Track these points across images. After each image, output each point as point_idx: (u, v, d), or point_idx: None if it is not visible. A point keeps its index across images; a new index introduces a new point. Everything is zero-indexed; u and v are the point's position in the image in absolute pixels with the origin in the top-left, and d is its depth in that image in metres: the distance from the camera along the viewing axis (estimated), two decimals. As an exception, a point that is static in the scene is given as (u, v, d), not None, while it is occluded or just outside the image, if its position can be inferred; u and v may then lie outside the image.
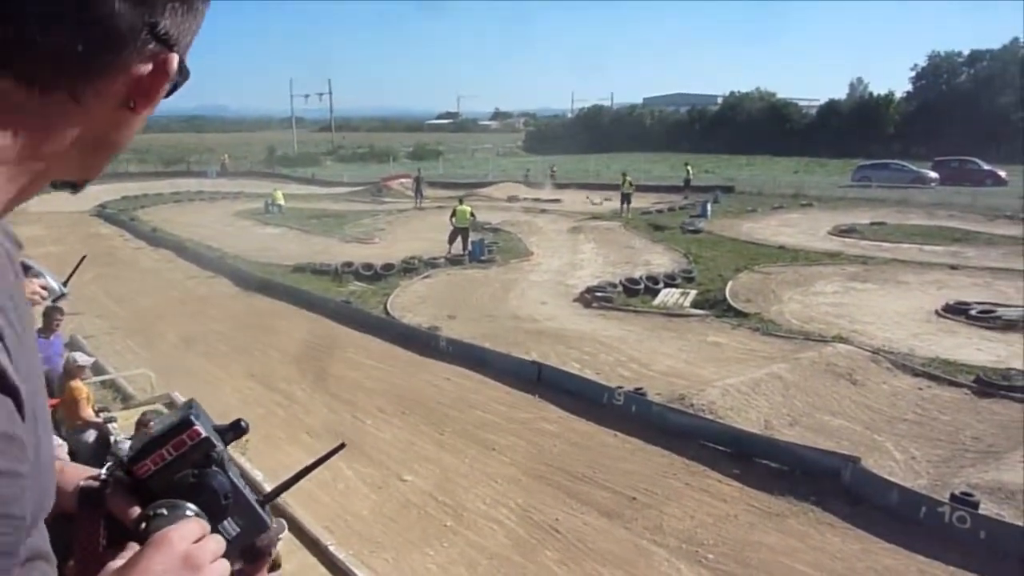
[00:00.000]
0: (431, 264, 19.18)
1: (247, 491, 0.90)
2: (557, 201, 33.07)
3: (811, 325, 13.39)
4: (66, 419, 7.11)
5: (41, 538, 0.63)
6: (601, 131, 65.45)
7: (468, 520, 7.47)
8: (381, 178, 42.86)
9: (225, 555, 0.79)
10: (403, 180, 41.80)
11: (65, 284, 2.00)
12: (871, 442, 8.92)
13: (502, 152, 74.97)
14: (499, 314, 14.92)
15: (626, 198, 27.68)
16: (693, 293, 16.13)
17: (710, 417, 9.23)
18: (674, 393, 10.09)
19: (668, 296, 16.03)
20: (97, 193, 37.23)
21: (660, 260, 19.86)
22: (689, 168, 35.99)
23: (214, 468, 0.86)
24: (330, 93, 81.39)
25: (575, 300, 16.03)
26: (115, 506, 0.80)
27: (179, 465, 0.83)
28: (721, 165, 49.80)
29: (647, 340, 12.98)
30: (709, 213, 27.02)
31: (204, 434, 0.85)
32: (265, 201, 32.12)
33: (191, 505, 0.82)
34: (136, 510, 0.79)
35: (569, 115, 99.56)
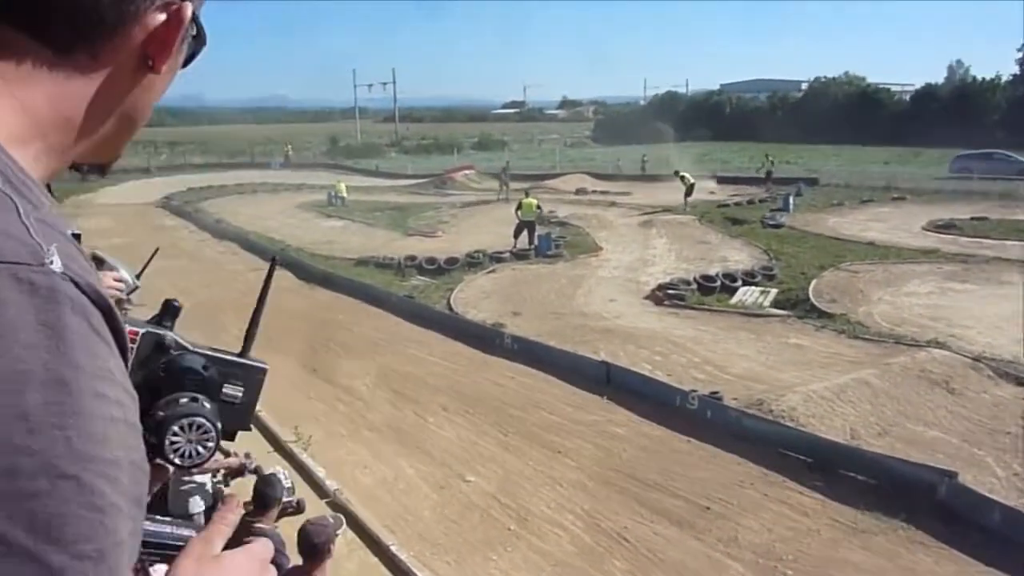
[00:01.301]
0: (496, 259, 19.26)
1: (223, 353, 0.92)
2: (626, 194, 32.77)
3: (903, 328, 12.94)
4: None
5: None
6: (675, 119, 64.46)
7: (532, 525, 7.48)
8: (445, 170, 43.22)
9: (248, 405, 0.84)
10: (467, 172, 42.09)
11: (138, 277, 2.07)
12: (969, 456, 8.56)
13: (570, 142, 74.64)
14: (566, 311, 14.88)
15: (688, 191, 27.34)
16: (774, 292, 15.78)
17: (791, 424, 9.03)
18: (752, 398, 9.91)
19: (746, 295, 15.73)
20: (163, 185, 38.78)
21: (738, 256, 19.48)
22: (771, 159, 35.14)
23: (174, 352, 0.87)
24: (394, 82, 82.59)
25: (646, 298, 15.87)
26: None
27: (141, 370, 0.84)
28: (805, 155, 48.49)
29: (723, 341, 12.77)
30: (792, 206, 26.34)
31: (140, 330, 0.86)
32: (328, 193, 32.78)
33: (181, 396, 0.84)
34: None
35: (641, 103, 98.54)
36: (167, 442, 0.83)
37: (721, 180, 35.48)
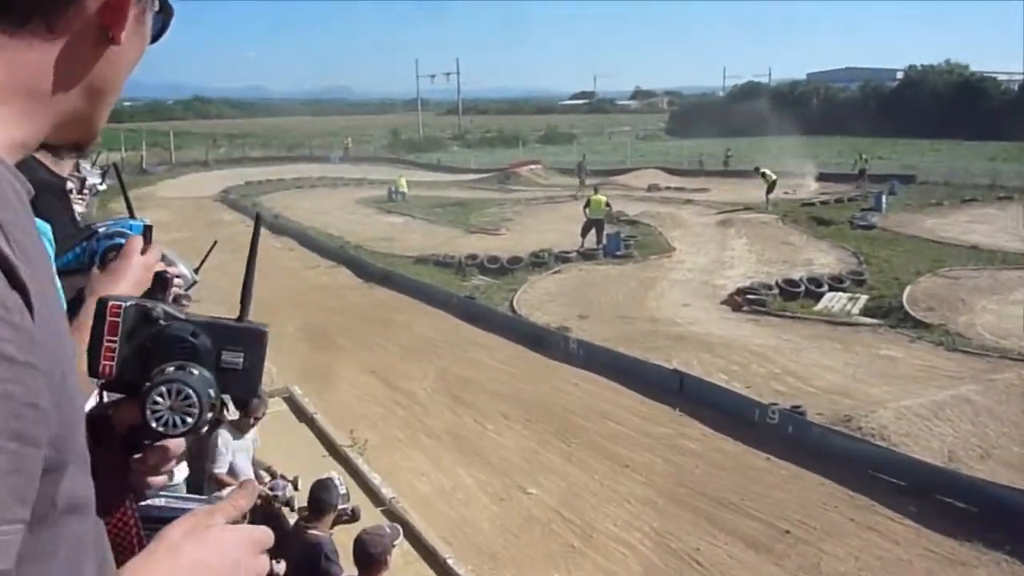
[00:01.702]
0: (562, 258, 19.23)
1: (219, 319, 0.93)
2: (703, 190, 32.34)
3: (1009, 341, 12.43)
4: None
5: (80, 485, 0.64)
6: (757, 111, 63.25)
7: (597, 542, 7.43)
8: (509, 164, 43.38)
9: (252, 371, 0.88)
10: (533, 167, 42.14)
11: (196, 271, 2.11)
12: (1084, 484, 8.15)
13: (642, 135, 74.12)
14: (636, 315, 14.77)
15: (771, 190, 26.84)
16: (863, 299, 15.37)
17: (881, 443, 8.79)
18: (838, 414, 9.69)
19: (833, 301, 15.37)
20: (221, 178, 39.93)
21: (824, 259, 19.05)
22: (864, 158, 34.05)
23: (163, 322, 0.88)
24: (457, 73, 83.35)
25: (723, 303, 15.65)
26: (121, 420, 0.85)
27: (130, 344, 0.87)
28: (899, 150, 47.07)
29: (807, 351, 12.51)
30: (884, 206, 25.60)
31: (123, 304, 0.88)
32: (388, 188, 33.25)
33: (169, 365, 0.86)
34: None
35: (720, 93, 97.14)
36: (148, 410, 0.84)
37: (797, 176, 34.60)
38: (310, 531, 4.61)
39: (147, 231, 1.68)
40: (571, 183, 36.02)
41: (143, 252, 1.41)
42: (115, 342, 0.87)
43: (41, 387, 0.57)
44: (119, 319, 0.87)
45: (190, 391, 0.85)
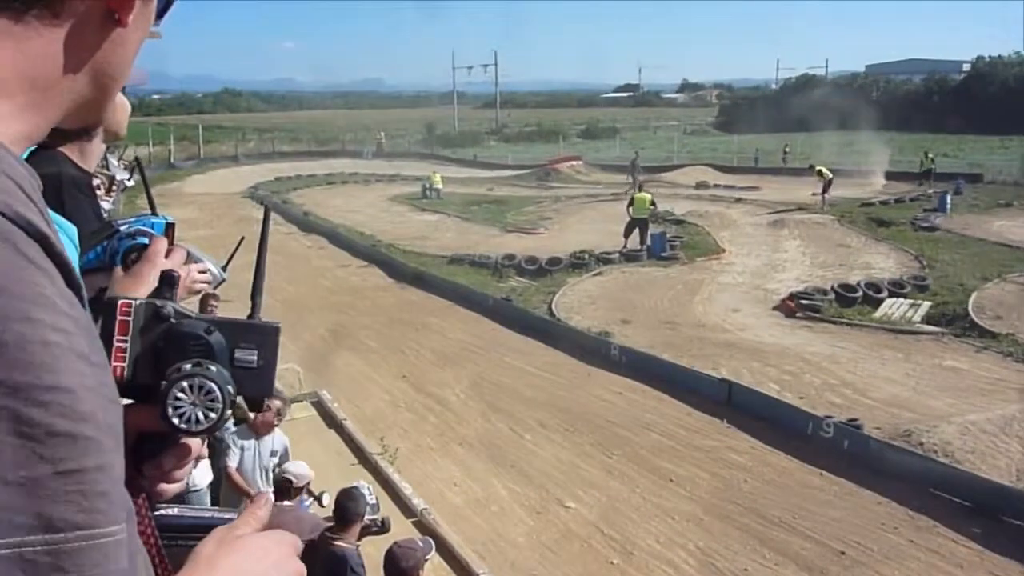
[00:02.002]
0: (604, 259, 19.18)
1: (231, 317, 0.95)
2: (754, 189, 32.04)
3: (1085, 352, 12.15)
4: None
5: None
6: (813, 105, 62.46)
7: (638, 560, 7.39)
8: (549, 160, 43.37)
9: (266, 369, 0.91)
10: (573, 163, 42.08)
11: (224, 268, 2.13)
12: None
13: (690, 130, 73.59)
14: (681, 321, 14.68)
15: (826, 188, 26.44)
16: (926, 305, 15.11)
17: (944, 460, 8.64)
18: (897, 428, 9.56)
19: (893, 307, 15.14)
20: (250, 174, 40.48)
21: (883, 263, 18.77)
22: (931, 157, 33.29)
23: (174, 320, 0.90)
24: (495, 65, 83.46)
25: (775, 308, 15.51)
26: (135, 423, 0.85)
27: (141, 342, 0.88)
28: (965, 147, 46.18)
29: (864, 360, 12.34)
30: (949, 207, 25.14)
31: (134, 301, 0.90)
32: (422, 184, 33.45)
33: (185, 363, 0.87)
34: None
35: (773, 86, 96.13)
36: (169, 406, 0.86)
37: (862, 174, 34.03)
38: (336, 542, 4.59)
39: (169, 229, 1.69)
40: (613, 180, 35.93)
41: (167, 255, 1.42)
42: (126, 342, 0.88)
43: (114, 385, 0.60)
44: (129, 318, 0.89)
45: (212, 385, 0.87)
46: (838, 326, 14.30)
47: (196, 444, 0.94)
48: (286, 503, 5.35)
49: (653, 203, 21.05)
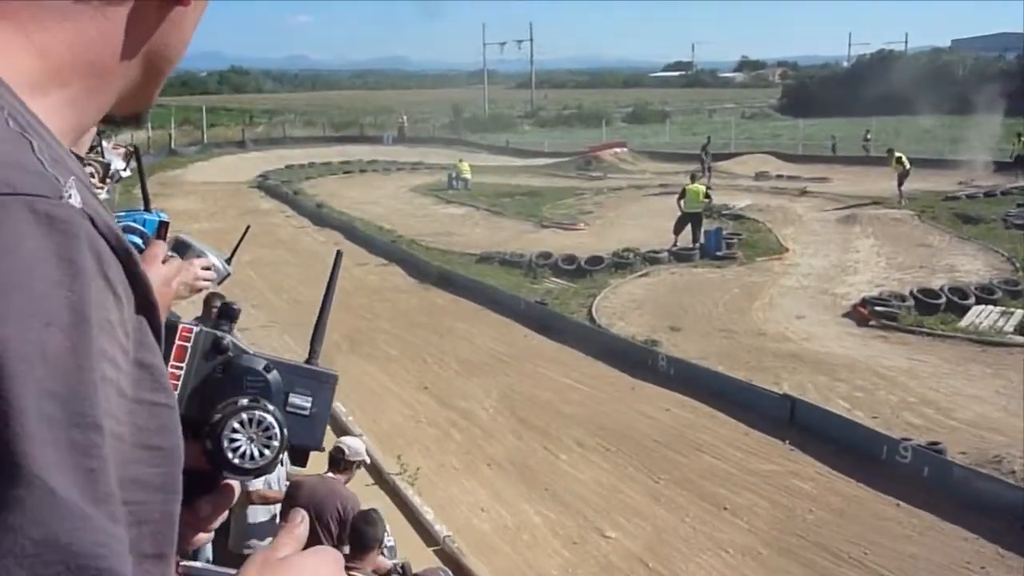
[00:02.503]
0: (651, 259, 19.12)
1: (288, 359, 1.00)
2: (822, 180, 31.74)
3: None
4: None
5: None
6: (890, 85, 61.70)
7: (688, 598, 7.34)
8: (590, 147, 43.34)
9: (318, 419, 0.96)
10: (618, 150, 42.00)
11: (229, 262, 2.14)
12: None
13: (749, 114, 73.15)
14: (738, 328, 14.60)
15: (901, 180, 26.01)
16: (1019, 314, 14.86)
17: (1041, 491, 8.46)
18: (986, 453, 9.43)
19: (981, 316, 14.91)
20: (258, 161, 40.91)
21: (970, 265, 18.51)
22: None
23: (232, 353, 0.94)
24: (531, 40, 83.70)
25: (845, 315, 15.37)
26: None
27: (197, 372, 0.93)
28: (1067, 133, 45.32)
29: (948, 376, 12.19)
30: (1047, 201, 24.73)
31: (195, 328, 0.94)
32: (448, 174, 33.59)
33: (241, 399, 0.91)
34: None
35: (845, 64, 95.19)
36: (224, 440, 0.89)
37: (946, 164, 33.51)
38: (352, 572, 4.60)
39: (162, 228, 1.71)
40: (663, 170, 35.84)
41: (164, 260, 1.44)
42: (181, 368, 0.91)
43: (165, 421, 0.62)
44: (188, 343, 0.92)
45: (272, 421, 0.91)
46: (917, 336, 14.12)
47: (234, 489, 0.94)
48: (330, 474, 5.41)
49: (707, 195, 20.93)
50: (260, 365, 0.95)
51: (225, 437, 0.88)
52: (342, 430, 10.15)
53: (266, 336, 14.50)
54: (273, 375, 0.95)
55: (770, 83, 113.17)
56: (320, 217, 26.73)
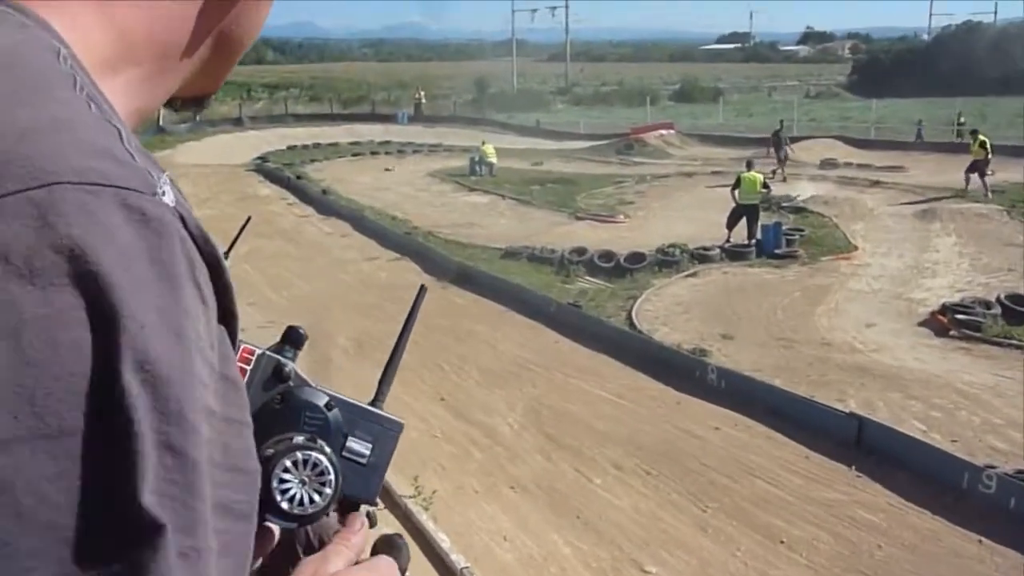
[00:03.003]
0: (700, 257, 19.09)
1: (352, 399, 1.00)
2: (897, 169, 31.51)
3: None
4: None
5: None
6: (976, 61, 61.24)
7: (738, 643, 7.32)
8: (632, 128, 43.26)
9: (377, 469, 0.96)
10: (664, 132, 41.89)
11: (226, 256, 2.16)
12: None
13: (815, 92, 72.78)
14: (799, 337, 14.53)
15: (976, 167, 25.66)
16: (1123, 325, 14.71)
17: None
18: (1083, 484, 9.25)
19: (1079, 327, 14.75)
20: (257, 141, 41.18)
21: (1067, 268, 18.30)
22: None
23: (293, 383, 0.95)
24: (566, 7, 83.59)
25: (921, 324, 15.27)
26: None
27: (253, 400, 0.89)
28: None
29: (1040, 395, 12.03)
30: None
31: (257, 350, 0.95)
32: (471, 157, 33.62)
33: (297, 435, 0.91)
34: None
35: (924, 36, 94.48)
36: (275, 480, 0.88)
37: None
38: None
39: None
40: (713, 155, 35.69)
41: None
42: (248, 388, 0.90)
43: (248, 441, 0.65)
44: (248, 366, 0.92)
45: (327, 464, 0.90)
46: (1004, 349, 14.00)
47: (277, 534, 0.93)
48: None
49: (766, 185, 20.84)
50: (322, 401, 0.95)
51: (275, 476, 0.87)
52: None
53: (264, 338, 14.53)
54: (334, 414, 0.95)
55: (838, 58, 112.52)
56: (326, 205, 26.84)
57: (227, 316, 0.63)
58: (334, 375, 12.82)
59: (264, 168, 34.44)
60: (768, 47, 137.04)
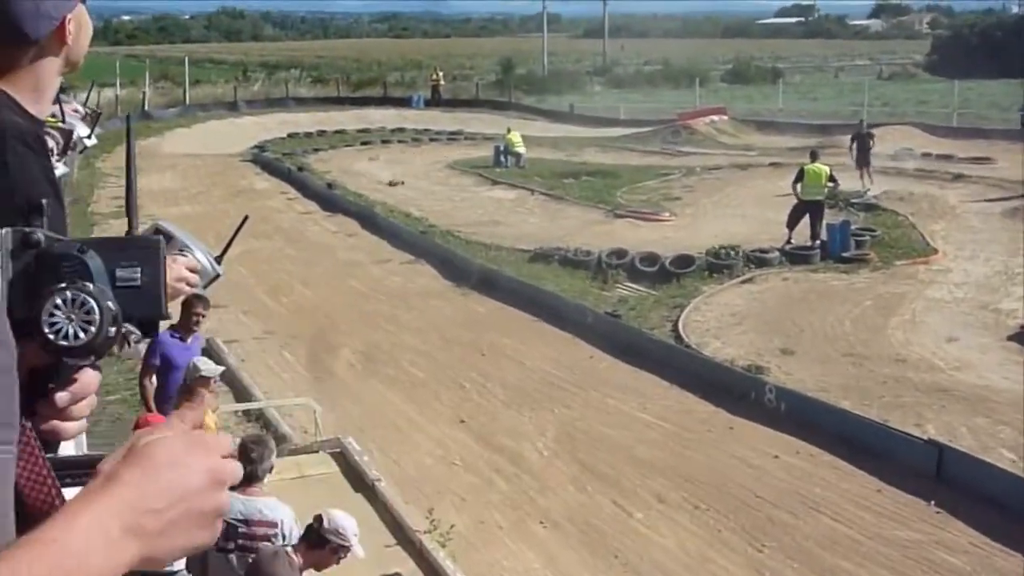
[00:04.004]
0: (757, 259, 19.01)
1: (104, 236, 1.32)
2: (983, 160, 31.26)
3: None
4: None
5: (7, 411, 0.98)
6: (1074, 38, 60.69)
7: None
8: (679, 114, 43.15)
9: (152, 287, 1.24)
10: (715, 118, 41.73)
11: (219, 261, 2.19)
12: None
13: (888, 73, 72.32)
14: (869, 352, 14.45)
15: None
16: None
17: None
18: None
19: None
20: (253, 128, 41.36)
21: None
22: None
23: (43, 245, 1.18)
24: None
25: (1011, 338, 15.15)
26: (21, 360, 1.07)
27: (8, 270, 1.16)
28: None
29: None
30: None
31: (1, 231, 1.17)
32: (495, 147, 33.62)
33: (61, 286, 1.15)
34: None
35: (1015, 10, 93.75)
36: (45, 324, 1.13)
37: None
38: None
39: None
40: (773, 145, 35.52)
41: None
42: None
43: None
44: None
45: (88, 299, 1.14)
46: (1108, 368, 13.84)
47: (91, 376, 1.22)
48: (289, 549, 5.42)
49: (832, 179, 20.70)
50: (73, 248, 1.18)
51: (45, 323, 1.12)
52: (356, 476, 10.23)
53: (260, 350, 14.67)
54: (89, 255, 1.18)
55: (916, 33, 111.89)
56: (331, 200, 26.93)
57: None
58: (339, 392, 12.88)
59: (261, 158, 34.53)
60: (835, 21, 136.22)
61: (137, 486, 0.91)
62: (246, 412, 11.74)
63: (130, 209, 1.40)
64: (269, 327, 15.88)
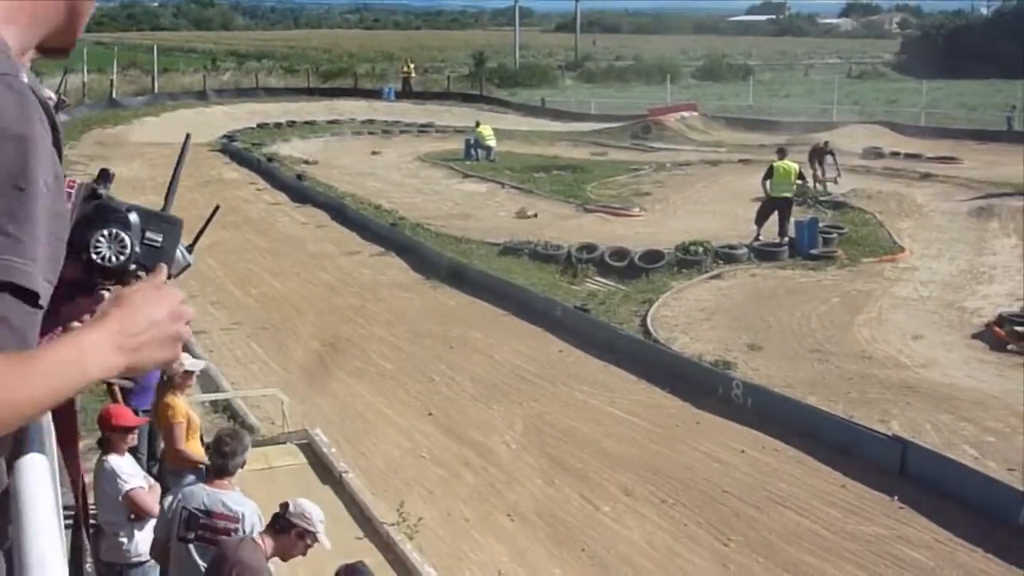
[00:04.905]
0: (725, 255, 19.09)
1: (147, 207, 1.71)
2: (950, 160, 31.49)
3: None
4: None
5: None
6: (1041, 40, 61.12)
7: None
8: (650, 110, 43.24)
9: (166, 251, 1.68)
10: (685, 114, 41.85)
11: (190, 250, 2.20)
12: None
13: (857, 71, 72.72)
14: (836, 349, 14.55)
15: None
16: None
17: None
18: None
19: None
20: (223, 118, 41.13)
21: None
22: None
23: (107, 198, 1.66)
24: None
25: (976, 336, 15.27)
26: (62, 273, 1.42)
27: (77, 212, 1.57)
28: None
29: (1110, 419, 12.03)
30: None
31: (78, 180, 1.62)
32: (466, 140, 33.60)
33: (107, 226, 1.59)
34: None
35: (983, 11, 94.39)
36: (91, 243, 1.57)
37: None
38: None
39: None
40: (743, 142, 35.64)
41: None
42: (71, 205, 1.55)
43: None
44: (72, 190, 1.57)
45: (125, 237, 1.60)
46: (1071, 366, 13.98)
47: (108, 296, 1.55)
48: (255, 536, 5.41)
49: (801, 176, 20.81)
50: (123, 208, 1.64)
51: (91, 246, 1.56)
52: (324, 468, 10.21)
53: (228, 341, 14.61)
54: (132, 215, 1.64)
55: (885, 33, 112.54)
56: (301, 191, 26.83)
57: (56, 146, 1.33)
58: (306, 385, 12.84)
59: (231, 148, 34.35)
60: (805, 19, 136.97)
61: (121, 319, 1.32)
62: (213, 403, 11.68)
63: (169, 196, 1.80)
64: (237, 318, 15.81)
